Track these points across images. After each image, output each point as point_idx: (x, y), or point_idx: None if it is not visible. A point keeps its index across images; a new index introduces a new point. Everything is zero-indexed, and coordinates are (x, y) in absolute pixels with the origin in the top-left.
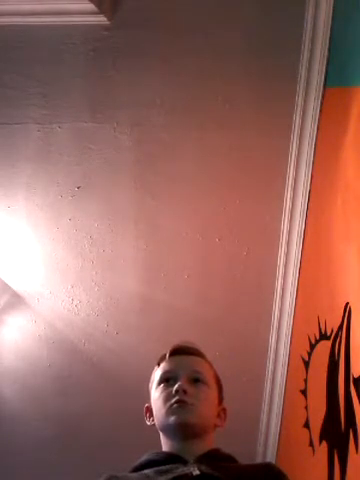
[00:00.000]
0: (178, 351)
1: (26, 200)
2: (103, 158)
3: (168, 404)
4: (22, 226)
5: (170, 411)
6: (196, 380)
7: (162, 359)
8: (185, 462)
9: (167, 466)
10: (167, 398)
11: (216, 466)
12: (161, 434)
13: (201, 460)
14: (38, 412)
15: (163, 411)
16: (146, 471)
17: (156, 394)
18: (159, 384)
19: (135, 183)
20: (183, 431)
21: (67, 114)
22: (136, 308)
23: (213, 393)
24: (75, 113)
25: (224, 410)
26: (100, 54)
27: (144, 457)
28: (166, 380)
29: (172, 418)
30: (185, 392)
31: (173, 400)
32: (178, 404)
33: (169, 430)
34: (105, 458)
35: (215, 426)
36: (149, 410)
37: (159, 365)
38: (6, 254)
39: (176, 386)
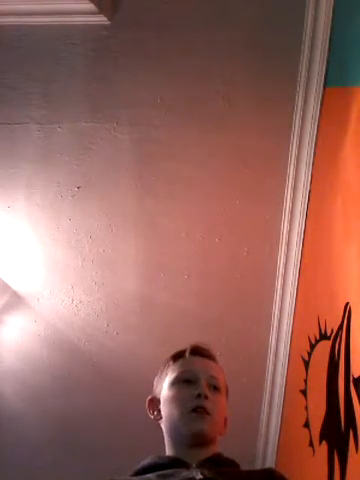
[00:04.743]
0: (198, 351)
1: (26, 200)
2: (103, 158)
3: (188, 407)
4: (22, 226)
5: (189, 417)
6: (214, 387)
7: (180, 356)
8: (188, 466)
9: (170, 470)
10: (187, 400)
11: (218, 471)
12: (166, 433)
13: (204, 464)
14: (38, 412)
15: (180, 414)
16: (148, 475)
17: (172, 392)
18: (176, 382)
19: (135, 183)
20: (197, 440)
21: (67, 114)
22: (136, 308)
23: (225, 402)
24: (75, 113)
25: (226, 418)
26: (100, 54)
27: (146, 461)
28: (185, 380)
29: (190, 426)
30: (206, 398)
31: (195, 404)
32: (199, 412)
33: (182, 436)
34: (105, 458)
35: (219, 434)
36: (153, 402)
37: (175, 361)
38: (6, 254)
39: (199, 390)
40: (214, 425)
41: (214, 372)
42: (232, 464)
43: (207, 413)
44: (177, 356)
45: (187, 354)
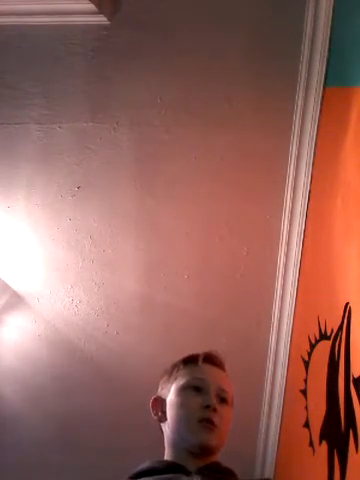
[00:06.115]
0: (210, 360)
1: (26, 200)
2: (103, 158)
3: (196, 417)
4: (22, 226)
5: (195, 428)
6: (222, 399)
7: (191, 361)
8: (187, 472)
9: (168, 475)
10: (195, 409)
11: (218, 478)
12: (169, 437)
13: (203, 472)
14: (38, 412)
15: (187, 422)
16: (146, 478)
17: (180, 398)
18: (185, 389)
19: (135, 183)
20: (202, 451)
21: (67, 114)
22: (136, 308)
23: (231, 414)
24: (75, 113)
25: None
26: (100, 54)
27: (145, 464)
28: (195, 388)
29: (198, 436)
30: (215, 410)
31: (202, 415)
32: (206, 424)
33: (187, 443)
34: (105, 458)
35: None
36: (158, 403)
37: (186, 365)
38: (6, 254)
39: (208, 401)
40: (220, 438)
41: (224, 384)
42: (230, 473)
43: (214, 425)
44: (189, 361)
45: (200, 361)
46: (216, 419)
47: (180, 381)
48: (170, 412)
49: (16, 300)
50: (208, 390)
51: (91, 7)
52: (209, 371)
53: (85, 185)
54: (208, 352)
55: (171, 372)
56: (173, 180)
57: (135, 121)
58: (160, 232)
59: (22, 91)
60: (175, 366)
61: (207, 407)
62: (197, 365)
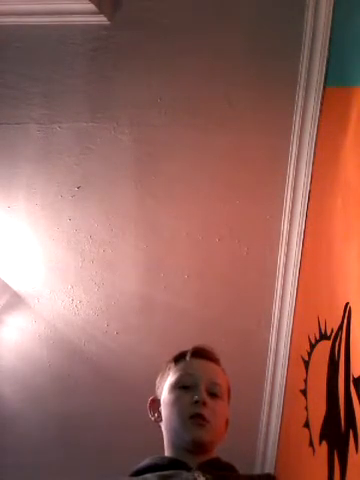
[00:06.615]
0: (199, 354)
1: (26, 200)
2: (103, 158)
3: (186, 414)
4: (22, 226)
5: (187, 425)
6: (214, 393)
7: (181, 358)
8: (188, 468)
9: (170, 471)
10: (185, 406)
11: (218, 475)
12: (166, 436)
13: (204, 468)
14: (38, 412)
15: (179, 421)
16: (148, 475)
17: (171, 397)
18: (176, 387)
19: (135, 183)
20: (196, 446)
21: (67, 114)
22: (136, 308)
23: (226, 407)
24: (75, 113)
25: (227, 421)
26: (100, 54)
27: (146, 461)
28: (184, 386)
29: (190, 433)
30: (205, 404)
31: (192, 411)
32: (197, 419)
33: (181, 440)
34: (105, 458)
35: (220, 439)
36: (154, 404)
37: (176, 362)
38: (6, 254)
39: (196, 397)
40: (213, 432)
41: (215, 377)
42: (230, 468)
43: (206, 420)
44: (178, 358)
45: (188, 357)
46: (207, 413)
47: (171, 379)
48: (164, 411)
49: (16, 300)
50: (198, 385)
51: (91, 7)
52: (198, 366)
53: (85, 185)
54: (197, 346)
55: (164, 371)
56: (173, 180)
57: (135, 121)
58: (160, 232)
59: (22, 91)
60: (167, 365)
61: (196, 403)
62: (186, 361)
